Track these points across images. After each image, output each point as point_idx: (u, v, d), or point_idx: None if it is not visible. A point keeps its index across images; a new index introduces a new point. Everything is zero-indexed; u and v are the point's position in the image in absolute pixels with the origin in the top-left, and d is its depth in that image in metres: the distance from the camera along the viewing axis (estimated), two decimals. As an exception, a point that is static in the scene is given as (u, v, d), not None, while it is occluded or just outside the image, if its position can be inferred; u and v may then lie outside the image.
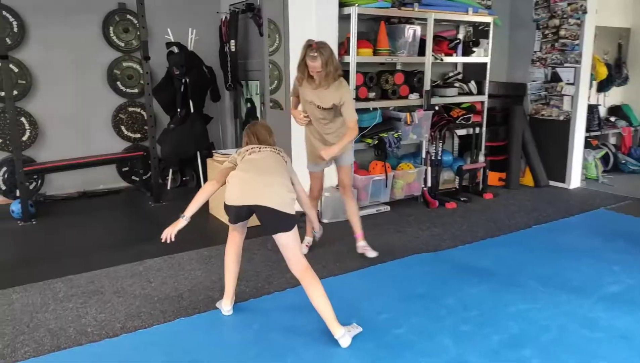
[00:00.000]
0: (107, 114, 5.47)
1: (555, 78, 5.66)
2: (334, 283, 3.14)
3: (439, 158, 5.05)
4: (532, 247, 3.80)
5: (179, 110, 5.35)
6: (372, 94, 4.66)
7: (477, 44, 5.35)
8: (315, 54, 3.14)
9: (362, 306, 2.85)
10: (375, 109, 4.65)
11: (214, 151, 4.59)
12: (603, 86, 7.10)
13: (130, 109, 5.53)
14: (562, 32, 5.53)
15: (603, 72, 6.73)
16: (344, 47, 4.48)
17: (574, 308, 2.83)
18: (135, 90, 5.52)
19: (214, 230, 4.21)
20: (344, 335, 2.45)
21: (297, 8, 4.28)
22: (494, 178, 5.72)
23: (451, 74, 5.47)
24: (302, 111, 3.49)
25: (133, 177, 5.61)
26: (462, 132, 5.33)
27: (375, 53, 4.63)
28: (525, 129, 5.71)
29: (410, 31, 4.78)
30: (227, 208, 2.59)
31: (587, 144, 6.45)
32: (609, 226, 4.39)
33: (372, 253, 3.61)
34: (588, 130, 6.57)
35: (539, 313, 2.78)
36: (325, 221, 4.37)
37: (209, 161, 4.59)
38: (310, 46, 3.18)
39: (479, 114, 5.45)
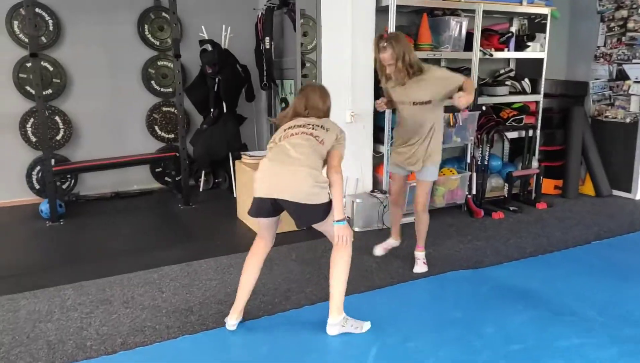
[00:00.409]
0: (141, 114, 5.40)
1: (622, 76, 5.06)
2: (358, 301, 2.83)
3: (485, 163, 4.61)
4: (589, 268, 3.32)
5: (212, 110, 5.20)
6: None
7: (532, 38, 4.86)
8: (385, 44, 2.89)
9: (386, 330, 2.52)
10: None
11: (243, 153, 4.38)
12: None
13: (164, 108, 5.44)
14: (630, 25, 4.93)
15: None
16: (381, 42, 4.16)
17: (639, 345, 2.38)
18: (170, 89, 5.41)
19: (240, 236, 4.00)
20: (335, 325, 2.43)
21: (330, 0, 3.99)
22: (549, 185, 5.20)
23: (502, 71, 5.01)
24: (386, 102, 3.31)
25: (166, 178, 5.51)
26: (513, 135, 4.86)
27: (416, 48, 4.26)
28: (585, 133, 5.15)
29: (456, 24, 4.38)
30: (253, 200, 2.45)
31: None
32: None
33: (421, 268, 3.31)
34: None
35: (596, 350, 2.35)
36: (356, 229, 4.06)
37: (237, 163, 4.39)
38: (381, 36, 2.95)
39: (532, 116, 4.96)
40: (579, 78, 5.44)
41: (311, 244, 3.74)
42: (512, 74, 4.97)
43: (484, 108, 4.49)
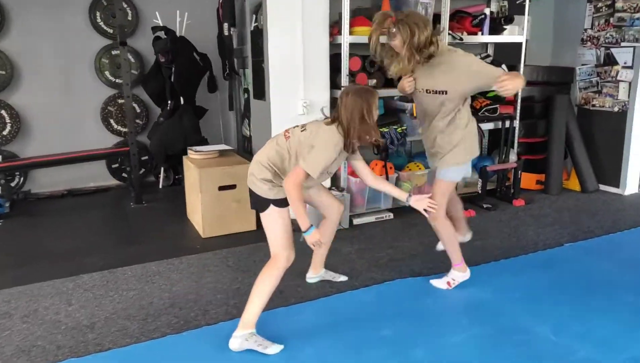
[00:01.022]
0: (96, 107, 5.10)
1: (610, 61, 4.65)
2: (280, 315, 2.52)
3: (456, 157, 4.24)
4: (554, 275, 2.97)
5: (169, 101, 4.89)
6: (372, 82, 3.95)
7: (509, 20, 4.47)
8: (394, 30, 2.44)
9: (303, 351, 2.21)
10: (375, 99, 3.92)
11: (190, 148, 4.07)
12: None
13: (120, 101, 5.13)
14: (618, 4, 4.51)
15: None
16: (337, 26, 3.80)
17: (595, 372, 2.04)
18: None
19: (182, 239, 3.68)
20: (237, 338, 2.24)
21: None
22: (530, 180, 4.82)
23: (478, 57, 4.61)
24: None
25: (123, 174, 5.22)
26: (488, 126, 4.49)
27: (375, 32, 3.90)
28: (570, 123, 4.75)
29: (422, 6, 4.00)
30: None
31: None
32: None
33: (439, 284, 2.84)
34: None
35: (542, 378, 2.01)
36: (309, 230, 3.73)
37: (184, 159, 4.07)
38: (385, 15, 2.48)
39: (510, 105, 4.58)
40: (565, 64, 5.03)
41: (257, 247, 3.42)
42: (488, 60, 4.58)
43: (451, 97, 4.11)
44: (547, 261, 3.19)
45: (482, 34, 4.33)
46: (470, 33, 4.28)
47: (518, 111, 4.57)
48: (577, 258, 3.22)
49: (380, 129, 3.89)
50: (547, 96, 4.81)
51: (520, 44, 4.47)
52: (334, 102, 3.88)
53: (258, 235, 3.68)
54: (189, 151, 4.03)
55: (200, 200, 3.59)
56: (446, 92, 2.52)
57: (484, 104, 4.31)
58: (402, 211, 4.14)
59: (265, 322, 2.37)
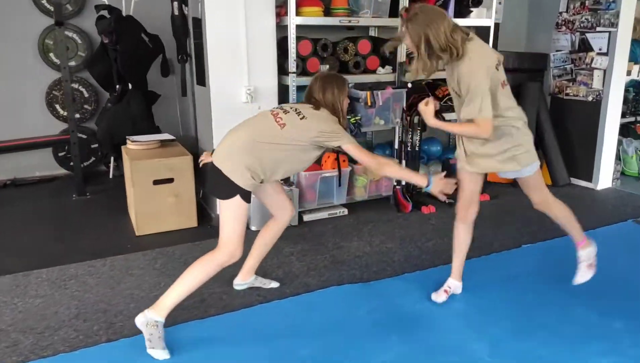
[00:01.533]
0: (40, 91, 4.78)
1: (585, 47, 4.37)
2: (192, 329, 2.28)
3: (417, 148, 3.98)
4: (502, 283, 2.74)
5: (116, 86, 4.58)
6: (325, 67, 3.66)
7: (477, 2, 4.16)
8: (403, 29, 2.15)
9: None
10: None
11: (128, 137, 3.78)
12: (661, 58, 5.66)
13: (67, 84, 4.81)
14: (595, -15, 4.23)
15: (660, 40, 5.30)
16: (285, 6, 3.49)
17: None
18: (73, 62, 4.78)
19: (116, 236, 3.41)
20: (141, 319, 2.11)
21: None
22: (499, 173, 4.56)
23: (444, 42, 4.33)
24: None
25: (71, 163, 4.92)
26: (453, 116, 4.20)
27: (328, 13, 3.60)
28: (541, 112, 4.49)
29: (379, -15, 3.70)
30: None
31: (631, 132, 5.12)
32: (635, 249, 3.22)
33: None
34: (634, 113, 5.24)
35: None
36: (253, 228, 3.48)
37: (123, 149, 3.78)
38: (401, 14, 2.21)
39: (478, 93, 4.30)
40: (540, 49, 4.75)
41: (194, 246, 3.17)
42: (455, 44, 4.28)
43: (409, 85, 3.83)
44: (498, 265, 2.95)
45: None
46: (434, 15, 3.98)
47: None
48: (532, 261, 2.99)
49: (333, 119, 3.63)
50: (518, 83, 4.54)
51: (488, 28, 4.17)
52: (282, 89, 3.60)
53: (199, 232, 3.45)
54: (127, 141, 3.74)
55: (133, 195, 3.32)
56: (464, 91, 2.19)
57: (447, 92, 4.02)
58: (358, 206, 3.90)
59: (172, 335, 2.14)
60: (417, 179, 2.26)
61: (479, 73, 2.10)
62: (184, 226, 3.48)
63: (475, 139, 2.27)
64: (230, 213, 2.14)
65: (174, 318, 2.35)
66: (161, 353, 2.05)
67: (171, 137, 3.90)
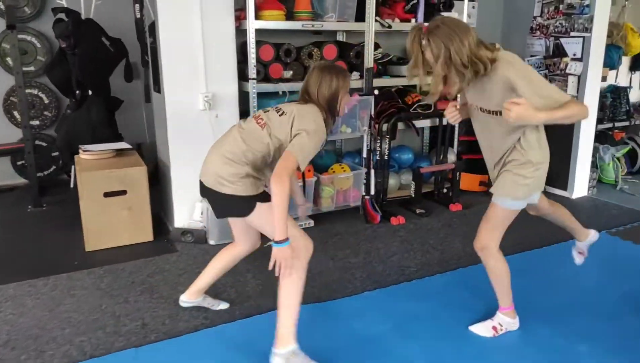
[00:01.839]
0: (-3, 97, 4.59)
1: (559, 52, 4.27)
2: (127, 358, 2.11)
3: (385, 157, 3.85)
4: (454, 304, 2.59)
5: (77, 91, 4.39)
6: (288, 73, 3.51)
7: (449, 6, 4.05)
8: (424, 42, 1.96)
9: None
10: (285, 93, 3.48)
11: (82, 146, 3.60)
12: (639, 63, 5.59)
13: (26, 91, 4.61)
14: (568, -11, 4.12)
15: (637, 46, 5.22)
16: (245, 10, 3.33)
17: None
18: (32, 67, 4.59)
19: (64, 252, 3.22)
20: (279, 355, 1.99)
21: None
22: (473, 182, 4.45)
23: (415, 47, 4.20)
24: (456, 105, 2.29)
25: (31, 172, 4.72)
26: (424, 123, 4.09)
27: (291, 17, 3.46)
28: (515, 120, 4.37)
29: (345, -12, 3.56)
30: None
31: (608, 139, 5.03)
32: (604, 263, 3.10)
33: (481, 330, 2.35)
34: (612, 120, 5.16)
35: None
36: (211, 242, 3.31)
37: (76, 159, 3.59)
38: (419, 28, 2.00)
39: (448, 100, 4.17)
40: (515, 54, 4.64)
41: (147, 262, 3.00)
42: (426, 49, 4.16)
43: (376, 92, 3.70)
44: (463, 281, 2.81)
45: (417, 20, 3.91)
46: (403, 20, 3.86)
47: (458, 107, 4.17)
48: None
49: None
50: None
51: (460, 32, 4.04)
52: (243, 96, 3.44)
53: (155, 247, 3.28)
54: (80, 150, 3.56)
55: (82, 208, 3.14)
56: (500, 114, 1.98)
57: (417, 99, 3.90)
58: (325, 218, 3.75)
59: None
60: (279, 228, 1.87)
61: (527, 69, 1.98)
62: (138, 240, 3.30)
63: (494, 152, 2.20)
64: (265, 219, 1.99)
65: (108, 347, 2.18)
66: None
67: (127, 146, 3.73)
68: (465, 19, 4.03)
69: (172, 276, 2.85)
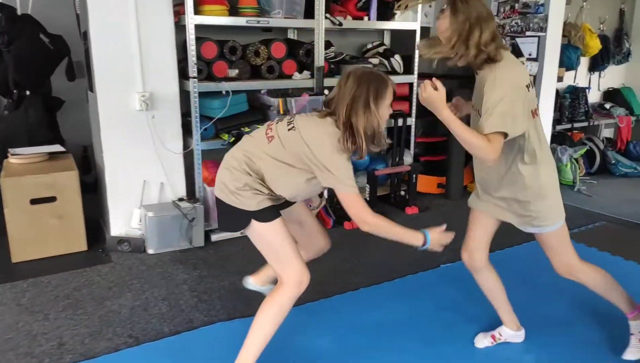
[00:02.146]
0: None
1: (515, 52, 4.21)
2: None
3: (339, 159, 3.70)
4: (413, 310, 2.47)
5: (14, 91, 4.12)
6: (234, 72, 3.34)
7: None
8: (445, 6, 1.76)
9: None
10: (228, 92, 3.30)
11: (10, 150, 3.36)
12: (597, 64, 5.62)
13: (-42, 90, 4.32)
14: (524, -12, 4.07)
15: (595, 46, 5.23)
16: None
17: None
18: (-36, 66, 4.30)
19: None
20: None
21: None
22: (431, 184, 4.36)
23: (370, 46, 4.09)
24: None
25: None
26: (379, 124, 3.96)
27: (234, 13, 3.29)
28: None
29: (292, -17, 3.41)
30: None
31: (567, 140, 5.02)
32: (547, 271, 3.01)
33: None
34: (571, 121, 5.16)
35: None
36: (150, 252, 3.11)
37: (4, 163, 3.35)
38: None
39: (406, 100, 4.08)
40: (474, 55, 4.57)
41: (77, 274, 2.79)
42: (381, 49, 4.05)
43: (327, 92, 3.56)
44: (407, 290, 2.69)
45: (370, 19, 3.79)
46: (355, 17, 3.73)
47: (414, 108, 4.08)
48: (442, 285, 2.73)
49: (241, 129, 3.31)
50: (448, 90, 4.33)
51: (414, 31, 3.95)
52: (184, 95, 3.26)
53: (88, 257, 3.06)
54: (9, 154, 3.31)
55: (6, 217, 2.91)
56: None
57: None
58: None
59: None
60: (410, 238, 1.76)
61: (512, 82, 1.72)
62: (70, 250, 3.07)
63: (488, 173, 1.92)
64: (261, 238, 1.80)
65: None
66: None
67: (61, 149, 3.49)
68: (421, 19, 3.93)
69: (101, 289, 2.64)
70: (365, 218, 1.71)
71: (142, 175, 3.19)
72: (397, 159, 4.03)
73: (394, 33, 4.22)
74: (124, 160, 3.10)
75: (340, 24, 3.57)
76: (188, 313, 2.43)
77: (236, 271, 2.90)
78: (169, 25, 3.09)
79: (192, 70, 3.12)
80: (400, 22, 3.91)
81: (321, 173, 1.72)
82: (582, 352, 2.16)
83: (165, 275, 2.81)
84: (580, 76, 5.41)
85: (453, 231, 1.83)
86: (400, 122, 3.94)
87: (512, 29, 4.20)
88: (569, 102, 5.17)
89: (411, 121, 4.07)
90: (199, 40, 3.15)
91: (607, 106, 5.67)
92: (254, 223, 1.76)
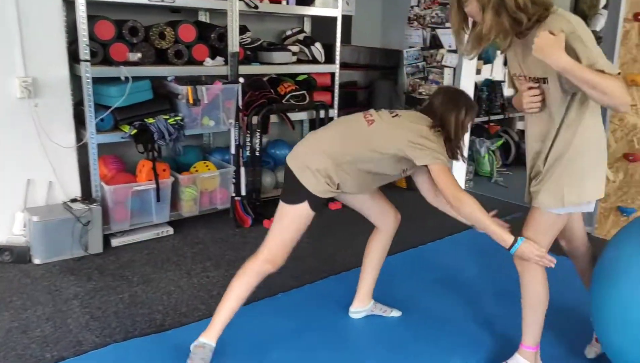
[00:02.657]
0: None
1: (436, 44, 4.17)
2: None
3: (257, 153, 3.46)
4: (336, 313, 2.31)
5: None
6: (135, 56, 2.97)
7: (324, -11, 3.75)
8: None
9: None
10: (128, 78, 2.95)
11: None
12: (511, 59, 5.76)
13: None
14: (443, -21, 4.03)
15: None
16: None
17: None
18: None
19: None
20: None
21: None
22: (354, 177, 4.21)
23: (289, 33, 3.86)
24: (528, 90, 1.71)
25: None
26: (300, 116, 3.75)
27: (132, -11, 2.92)
28: (395, 113, 4.22)
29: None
30: None
31: (484, 132, 5.10)
32: (477, 257, 2.99)
33: None
34: (488, 113, 5.24)
35: None
36: (37, 262, 2.69)
37: None
38: None
39: (327, 91, 3.90)
40: (395, 45, 4.49)
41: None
42: (301, 36, 3.84)
43: (242, 80, 3.28)
44: (328, 293, 2.51)
45: (288, 3, 3.56)
46: (272, 1, 3.49)
47: (336, 99, 3.91)
48: (343, 288, 2.56)
49: (145, 120, 2.96)
50: (371, 81, 4.24)
51: (335, 19, 3.77)
52: (77, 82, 2.86)
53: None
54: None
55: None
56: (546, 81, 1.64)
57: (290, 89, 3.55)
58: (189, 223, 3.28)
59: None
60: (498, 234, 1.72)
61: (588, 32, 1.54)
62: None
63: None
64: (290, 217, 1.86)
65: None
66: None
67: None
68: (340, 5, 3.75)
69: (-30, 310, 2.23)
70: (456, 192, 1.75)
71: (26, 173, 2.76)
72: (318, 153, 3.84)
73: (315, 20, 4.02)
74: (2, 156, 2.66)
75: (256, 7, 3.31)
76: (77, 334, 2.09)
77: (139, 280, 2.58)
78: (56, 1, 2.67)
79: (84, 52, 2.73)
80: (320, 8, 3.71)
81: (417, 151, 1.78)
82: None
83: (52, 289, 2.43)
84: (496, 70, 5.53)
85: (550, 258, 1.73)
86: (322, 113, 3.76)
87: (432, 20, 4.15)
88: (486, 95, 5.26)
89: (334, 113, 3.89)
90: (92, 18, 2.76)
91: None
92: (305, 203, 1.82)
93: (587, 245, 1.99)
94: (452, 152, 1.91)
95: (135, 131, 2.89)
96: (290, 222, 1.86)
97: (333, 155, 1.82)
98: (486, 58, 5.02)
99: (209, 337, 1.86)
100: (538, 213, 1.74)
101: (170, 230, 3.18)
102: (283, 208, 1.88)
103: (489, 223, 1.74)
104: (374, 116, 1.89)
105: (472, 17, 1.66)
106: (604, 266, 1.79)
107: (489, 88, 5.30)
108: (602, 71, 1.47)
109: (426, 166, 1.79)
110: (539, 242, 1.73)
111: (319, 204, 1.85)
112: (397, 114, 1.89)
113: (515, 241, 1.70)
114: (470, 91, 4.22)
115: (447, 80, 4.09)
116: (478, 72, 4.44)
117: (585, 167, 1.66)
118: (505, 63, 5.76)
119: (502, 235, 1.72)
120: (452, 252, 3.12)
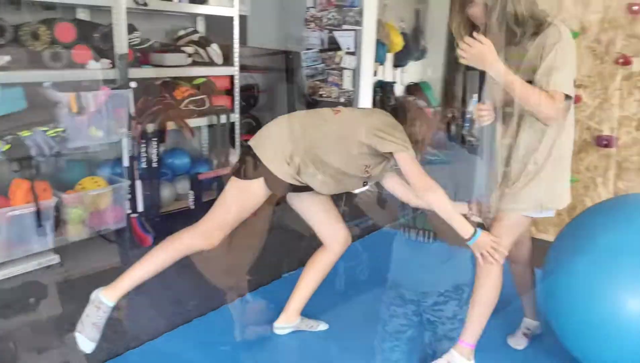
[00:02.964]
0: None
1: (334, 46, 4.17)
2: None
3: (154, 164, 3.17)
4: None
5: None
6: (2, 59, 2.55)
7: (220, -12, 3.55)
8: None
9: None
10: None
11: None
12: (400, 60, 5.99)
13: None
14: (337, -20, 4.04)
15: (399, 43, 5.54)
16: None
17: None
18: None
19: None
20: None
21: None
22: (259, 184, 4.07)
23: (182, 33, 3.61)
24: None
25: None
26: (199, 122, 3.52)
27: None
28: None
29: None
30: None
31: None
32: (380, 262, 3.03)
33: None
34: (383, 114, 5.38)
35: None
36: None
37: None
38: None
39: (227, 95, 3.71)
40: (294, 47, 4.41)
41: None
42: (195, 37, 3.60)
43: (133, 85, 2.98)
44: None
45: (180, 0, 3.31)
46: (164, -1, 3.22)
47: (237, 103, 3.73)
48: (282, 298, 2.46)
49: (21, 133, 2.55)
50: (270, 85, 4.12)
51: (231, 18, 3.59)
52: None
53: None
54: None
55: None
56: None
57: (187, 94, 3.31)
58: (79, 249, 2.89)
59: None
60: (462, 224, 1.76)
61: (572, 49, 1.65)
62: None
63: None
64: (236, 194, 1.80)
65: None
66: (85, 343, 1.79)
67: None
68: (236, 3, 3.58)
69: None
70: (425, 180, 1.75)
71: None
72: (223, 160, 3.64)
73: (210, 20, 3.79)
74: None
75: (145, 4, 3.03)
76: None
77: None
78: None
79: None
80: (214, 7, 3.51)
81: (385, 141, 1.77)
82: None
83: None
84: (387, 71, 5.71)
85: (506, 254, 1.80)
86: (223, 118, 3.56)
87: (329, 22, 4.14)
88: (380, 96, 5.41)
89: (234, 117, 3.71)
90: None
91: (410, 99, 6.12)
92: (260, 181, 1.75)
93: (530, 250, 2.11)
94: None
95: (8, 146, 2.47)
96: (236, 197, 1.79)
97: (296, 140, 1.79)
98: (378, 60, 5.15)
99: (109, 296, 1.84)
100: (505, 214, 1.81)
101: (55, 259, 2.78)
102: (232, 181, 1.81)
103: (454, 212, 1.78)
104: (341, 109, 1.96)
105: (473, 20, 1.71)
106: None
107: (382, 89, 5.46)
108: (547, 85, 1.59)
109: (393, 160, 1.81)
110: (502, 242, 1.80)
111: (276, 188, 1.78)
112: (364, 108, 2.02)
113: (475, 232, 1.75)
114: (369, 92, 4.30)
115: (347, 82, 4.11)
116: (374, 73, 4.53)
117: (558, 173, 1.79)
118: (394, 65, 6.00)
119: (465, 225, 1.76)
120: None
